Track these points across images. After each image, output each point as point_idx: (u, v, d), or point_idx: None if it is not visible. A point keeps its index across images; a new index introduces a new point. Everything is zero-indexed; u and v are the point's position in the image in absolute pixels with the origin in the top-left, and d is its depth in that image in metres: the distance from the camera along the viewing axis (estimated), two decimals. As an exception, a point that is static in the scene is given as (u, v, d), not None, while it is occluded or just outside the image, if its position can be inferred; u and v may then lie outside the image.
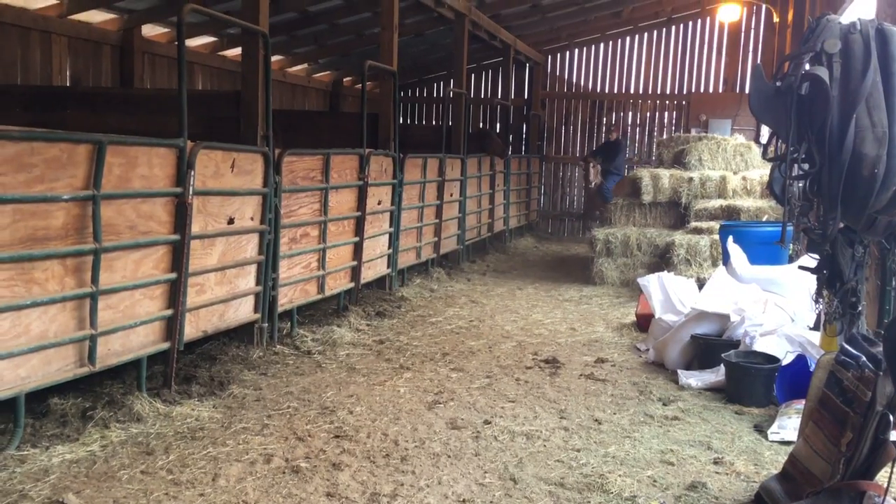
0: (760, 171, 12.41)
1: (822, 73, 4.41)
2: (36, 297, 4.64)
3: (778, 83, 4.65)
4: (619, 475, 4.73)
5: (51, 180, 4.67)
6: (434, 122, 20.17)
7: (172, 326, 5.79)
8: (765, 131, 14.83)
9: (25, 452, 4.63)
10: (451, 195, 12.26)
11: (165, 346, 5.78)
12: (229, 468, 4.64)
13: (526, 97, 19.86)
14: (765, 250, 8.64)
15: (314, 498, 4.31)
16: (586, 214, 18.49)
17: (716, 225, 11.18)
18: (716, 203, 12.01)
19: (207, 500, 4.22)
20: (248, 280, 6.84)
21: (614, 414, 5.92)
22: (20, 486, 4.24)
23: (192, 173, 5.74)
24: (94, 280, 5.02)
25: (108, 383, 5.72)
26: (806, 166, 4.69)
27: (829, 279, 5.23)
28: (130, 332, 5.45)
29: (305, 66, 17.79)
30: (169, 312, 5.76)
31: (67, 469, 4.51)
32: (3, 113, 8.67)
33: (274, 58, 13.65)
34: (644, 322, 8.53)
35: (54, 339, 4.80)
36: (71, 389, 5.39)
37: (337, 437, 5.22)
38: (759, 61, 16.95)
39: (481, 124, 20.08)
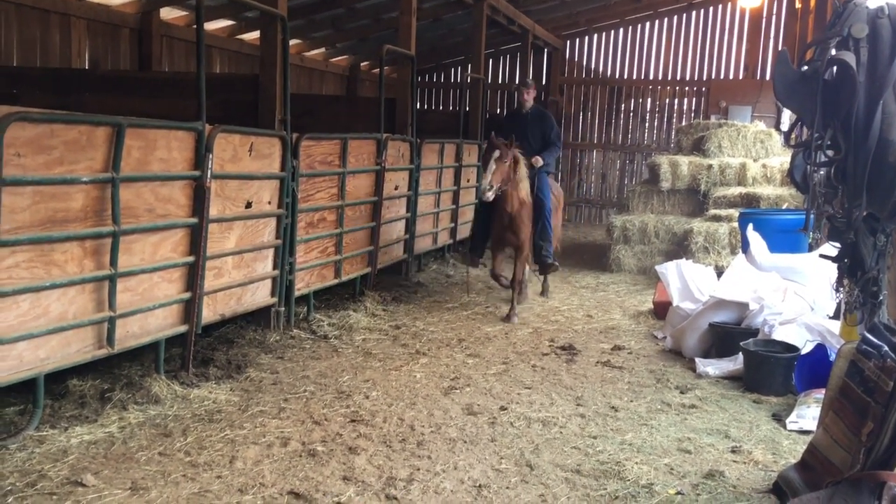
0: (781, 159, 12.29)
1: (849, 58, 4.33)
2: (55, 279, 4.65)
3: (804, 68, 4.58)
4: (636, 463, 4.71)
5: (70, 162, 4.68)
6: (451, 108, 20.10)
7: (190, 309, 5.81)
8: (785, 118, 14.69)
9: (44, 433, 4.67)
10: (468, 181, 12.21)
11: (183, 328, 5.80)
12: (246, 451, 4.65)
13: (544, 83, 19.75)
14: (785, 238, 8.57)
15: (330, 481, 4.31)
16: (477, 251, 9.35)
17: (735, 212, 11.10)
18: (735, 190, 11.92)
19: (225, 482, 4.24)
20: (265, 264, 6.85)
21: (631, 401, 5.90)
22: (39, 466, 4.27)
23: (211, 157, 5.74)
24: (113, 262, 5.03)
25: (127, 365, 5.75)
26: (830, 153, 4.62)
27: (851, 268, 5.16)
28: (149, 314, 5.47)
29: (323, 50, 17.76)
30: (187, 295, 5.77)
31: (86, 450, 4.54)
32: (23, 95, 8.71)
33: (291, 42, 13.62)
34: (661, 310, 8.49)
35: (73, 320, 4.82)
36: (89, 371, 5.43)
37: (353, 421, 5.22)
38: (780, 47, 16.75)
39: (498, 110, 19.99)
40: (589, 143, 19.82)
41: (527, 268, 9.22)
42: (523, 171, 8.37)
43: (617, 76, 19.58)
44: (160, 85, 9.61)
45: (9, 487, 4.00)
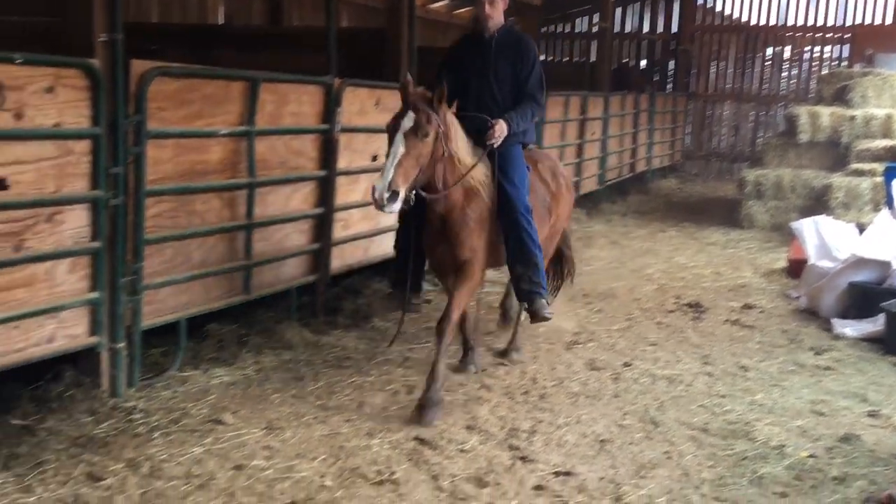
0: (932, 109, 11.47)
1: None
2: (196, 228, 4.89)
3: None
4: (766, 424, 4.58)
5: (209, 116, 4.87)
6: (577, 59, 19.68)
7: (320, 260, 5.99)
8: (939, 65, 13.64)
9: (187, 374, 4.94)
10: (593, 134, 11.98)
11: (313, 278, 5.99)
12: (373, 397, 4.79)
13: (674, 31, 19.03)
14: (935, 194, 8.04)
15: (455, 430, 4.39)
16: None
17: (879, 167, 10.44)
18: (880, 143, 11.22)
19: (354, 426, 4.38)
20: (390, 217, 6.94)
21: (762, 361, 5.71)
22: (182, 404, 4.53)
23: (339, 110, 5.85)
24: (249, 213, 5.23)
25: (262, 312, 5.98)
26: None
27: None
28: (282, 263, 5.68)
29: (447, 1, 17.69)
30: (317, 246, 5.95)
31: (225, 390, 4.78)
32: (161, 51, 9.06)
33: (416, -6, 13.63)
34: (796, 268, 8.14)
35: (213, 267, 5.05)
36: (227, 317, 5.68)
37: (475, 372, 5.28)
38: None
39: (626, 61, 19.43)
40: (721, 94, 19.02)
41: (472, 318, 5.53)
42: (462, 139, 4.69)
43: (753, 22, 18.63)
44: (289, 39, 9.79)
45: (155, 423, 4.26)
